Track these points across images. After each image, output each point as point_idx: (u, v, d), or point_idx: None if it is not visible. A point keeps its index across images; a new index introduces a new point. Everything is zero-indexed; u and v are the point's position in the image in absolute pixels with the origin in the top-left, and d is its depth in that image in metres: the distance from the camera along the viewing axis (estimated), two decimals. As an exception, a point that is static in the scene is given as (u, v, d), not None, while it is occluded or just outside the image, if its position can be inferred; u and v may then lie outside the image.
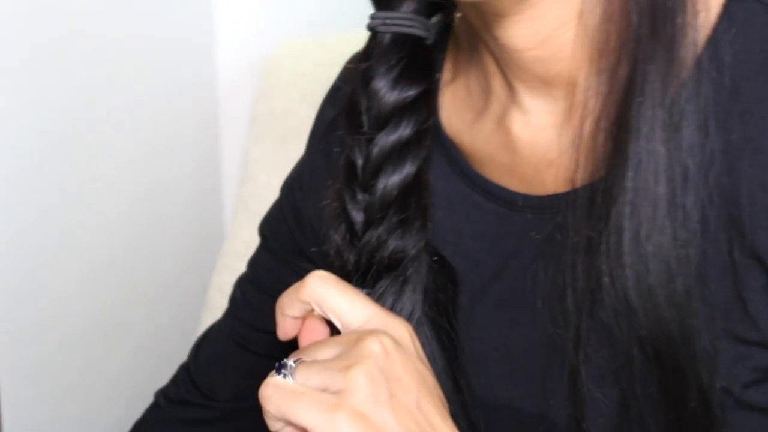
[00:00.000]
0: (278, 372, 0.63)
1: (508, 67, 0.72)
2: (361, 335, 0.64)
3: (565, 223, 0.68)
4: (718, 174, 0.64)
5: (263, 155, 1.57)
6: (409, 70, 0.71)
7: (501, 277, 0.73)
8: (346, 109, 0.73)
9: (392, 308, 0.71)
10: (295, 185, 0.87)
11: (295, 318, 0.68)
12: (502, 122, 0.74)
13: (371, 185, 0.71)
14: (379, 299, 0.71)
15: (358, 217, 0.71)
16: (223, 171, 1.73)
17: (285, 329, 0.69)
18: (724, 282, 0.65)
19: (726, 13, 0.66)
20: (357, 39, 1.70)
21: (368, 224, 0.71)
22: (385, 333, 0.64)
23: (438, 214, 0.76)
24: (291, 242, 0.86)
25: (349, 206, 0.71)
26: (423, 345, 0.70)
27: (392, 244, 0.71)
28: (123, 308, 1.47)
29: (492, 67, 0.74)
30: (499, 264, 0.74)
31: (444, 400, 0.66)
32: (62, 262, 1.33)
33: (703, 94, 0.64)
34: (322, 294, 0.66)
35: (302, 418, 0.60)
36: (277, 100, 1.56)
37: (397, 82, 0.71)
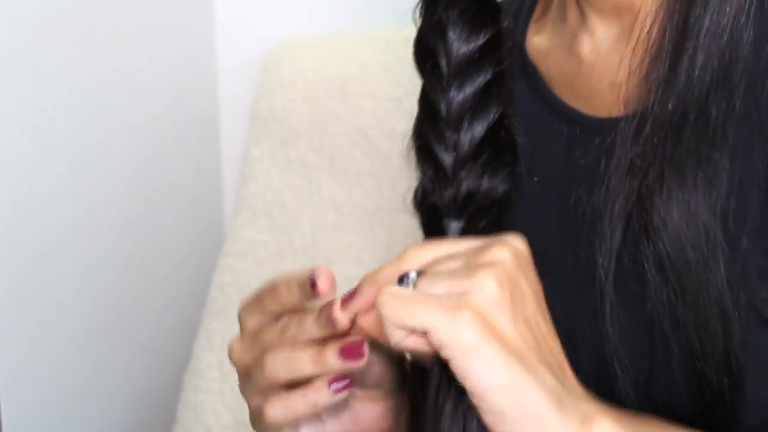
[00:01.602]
0: (399, 283, 0.61)
1: None
2: (489, 243, 0.62)
3: (612, 146, 0.69)
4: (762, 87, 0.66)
5: (263, 155, 1.57)
6: (481, 14, 0.72)
7: (568, 198, 0.74)
8: (417, 50, 0.74)
9: None
10: None
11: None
12: (572, 47, 0.77)
13: (458, 128, 0.71)
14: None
15: (446, 158, 0.71)
16: (224, 171, 1.74)
17: (368, 302, 0.64)
18: (758, 197, 0.66)
19: None
20: (357, 38, 1.70)
21: (457, 165, 0.71)
22: (511, 242, 0.62)
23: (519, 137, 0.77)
24: None
25: (437, 148, 0.71)
26: None
27: (485, 184, 0.71)
28: (123, 308, 1.47)
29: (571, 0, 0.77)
30: (567, 184, 0.75)
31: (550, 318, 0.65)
32: (62, 262, 1.33)
33: (759, 17, 0.66)
34: (425, 261, 0.63)
35: (421, 319, 0.58)
36: (277, 100, 1.56)
37: (471, 29, 0.72)
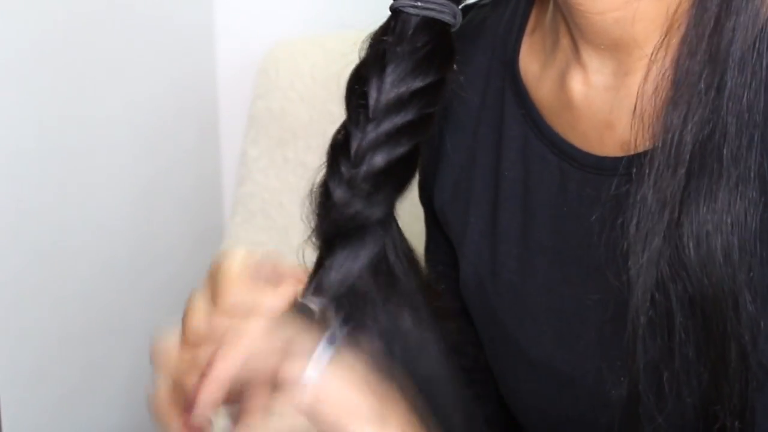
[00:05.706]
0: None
1: (580, 30, 0.72)
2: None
3: (629, 185, 0.67)
4: None
5: (261, 155, 1.57)
6: (431, 57, 0.70)
7: (559, 234, 0.73)
8: (352, 75, 0.71)
9: (347, 274, 0.69)
10: None
11: None
12: (563, 78, 0.75)
13: (361, 162, 0.69)
14: (334, 266, 0.69)
15: (338, 190, 0.69)
16: (223, 171, 1.74)
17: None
18: None
19: None
20: (355, 38, 1.70)
21: (348, 193, 0.69)
22: None
23: (509, 162, 0.76)
24: None
25: (331, 180, 0.69)
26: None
27: (357, 206, 0.68)
28: (123, 308, 1.47)
29: (563, 27, 0.74)
30: (558, 220, 0.73)
31: None
32: (62, 262, 1.33)
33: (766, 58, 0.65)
34: None
35: None
36: (275, 100, 1.56)
37: (414, 70, 0.69)
